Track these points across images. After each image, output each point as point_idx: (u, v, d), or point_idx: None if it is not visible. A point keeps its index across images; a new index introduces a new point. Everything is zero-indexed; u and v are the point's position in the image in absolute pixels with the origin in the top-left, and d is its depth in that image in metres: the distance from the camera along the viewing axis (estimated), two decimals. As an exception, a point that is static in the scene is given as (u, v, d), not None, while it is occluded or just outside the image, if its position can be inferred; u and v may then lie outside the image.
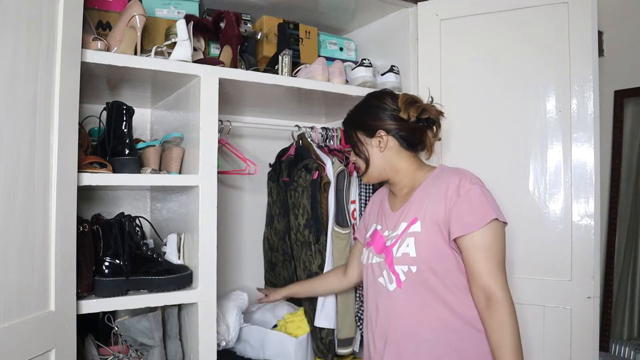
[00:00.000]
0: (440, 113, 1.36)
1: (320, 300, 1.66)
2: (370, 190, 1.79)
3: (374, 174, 1.35)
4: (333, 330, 1.67)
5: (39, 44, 1.04)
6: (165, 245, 1.52)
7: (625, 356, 2.39)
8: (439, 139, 1.39)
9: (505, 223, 1.20)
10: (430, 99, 1.37)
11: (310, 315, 1.70)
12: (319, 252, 1.66)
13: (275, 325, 1.75)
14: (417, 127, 1.32)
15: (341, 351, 1.69)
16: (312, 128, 1.88)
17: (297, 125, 1.87)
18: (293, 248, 1.79)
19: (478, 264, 1.14)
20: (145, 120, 1.88)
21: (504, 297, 1.13)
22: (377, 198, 1.49)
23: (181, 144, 1.55)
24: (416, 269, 1.19)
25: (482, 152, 1.73)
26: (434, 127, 1.36)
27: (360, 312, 1.69)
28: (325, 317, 1.65)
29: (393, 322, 1.24)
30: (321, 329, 1.66)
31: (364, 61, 1.81)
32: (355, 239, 1.66)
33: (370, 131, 1.31)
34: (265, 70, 1.67)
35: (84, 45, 1.22)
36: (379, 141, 1.31)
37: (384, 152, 1.31)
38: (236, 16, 1.67)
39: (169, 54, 1.44)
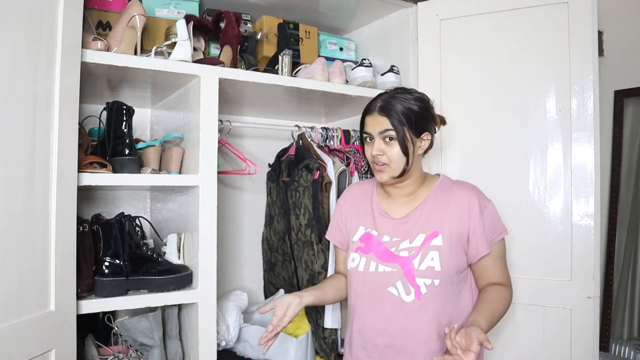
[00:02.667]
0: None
1: None
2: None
3: (397, 173, 1.26)
4: (336, 330, 1.67)
5: (39, 44, 1.04)
6: (165, 245, 1.52)
7: (625, 356, 2.39)
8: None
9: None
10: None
11: (313, 316, 1.70)
12: (322, 252, 1.66)
13: (275, 325, 1.74)
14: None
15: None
16: (312, 128, 1.88)
17: (297, 125, 1.87)
18: (294, 248, 1.79)
19: (494, 267, 1.29)
20: (145, 120, 1.88)
21: (511, 288, 1.31)
22: (356, 195, 1.42)
23: (181, 144, 1.55)
24: (439, 282, 1.22)
25: (482, 152, 1.73)
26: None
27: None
28: (335, 318, 1.65)
29: (407, 332, 1.23)
30: (324, 328, 1.66)
31: (364, 61, 1.81)
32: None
33: (419, 131, 1.27)
34: (265, 70, 1.67)
35: (84, 45, 1.23)
36: (421, 142, 1.29)
37: (417, 154, 1.29)
38: (236, 16, 1.67)
39: (169, 54, 1.44)
